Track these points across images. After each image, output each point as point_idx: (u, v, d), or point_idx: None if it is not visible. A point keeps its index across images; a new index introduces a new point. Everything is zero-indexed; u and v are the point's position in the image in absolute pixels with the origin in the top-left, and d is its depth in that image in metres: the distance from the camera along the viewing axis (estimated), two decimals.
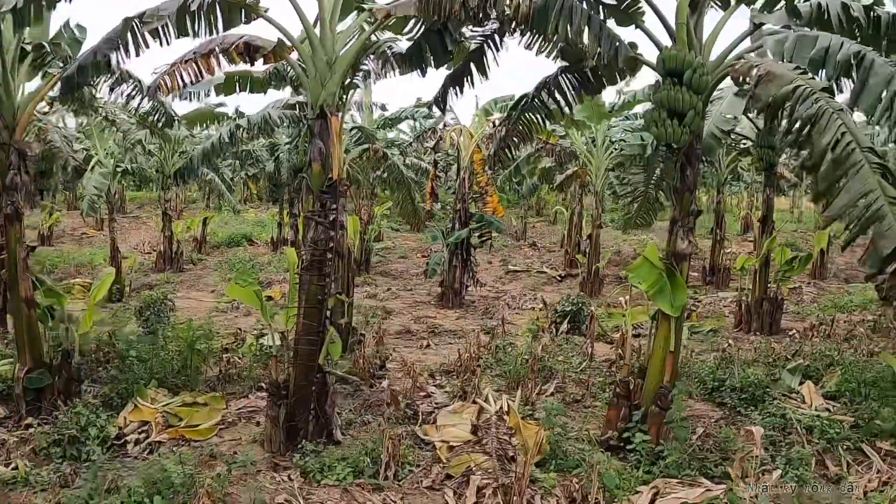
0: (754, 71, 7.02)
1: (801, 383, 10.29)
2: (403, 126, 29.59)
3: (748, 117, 14.75)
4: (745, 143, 18.79)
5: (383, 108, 18.07)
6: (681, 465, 7.53)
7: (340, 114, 8.74)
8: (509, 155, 10.46)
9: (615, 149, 20.28)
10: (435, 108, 10.33)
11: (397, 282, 21.89)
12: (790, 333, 14.39)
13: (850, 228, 6.19)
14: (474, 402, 9.08)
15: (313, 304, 8.20)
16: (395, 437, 7.59)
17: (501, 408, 8.66)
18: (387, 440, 7.51)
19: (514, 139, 10.26)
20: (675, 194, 8.06)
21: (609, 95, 19.49)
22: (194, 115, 16.37)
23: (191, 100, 12.37)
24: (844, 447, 8.31)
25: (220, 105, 18.90)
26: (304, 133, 12.92)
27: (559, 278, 22.93)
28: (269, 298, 18.64)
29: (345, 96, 11.00)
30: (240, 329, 14.45)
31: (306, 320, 8.17)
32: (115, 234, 19.83)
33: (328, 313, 8.39)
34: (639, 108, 21.02)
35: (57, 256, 24.30)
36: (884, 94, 6.61)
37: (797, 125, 6.53)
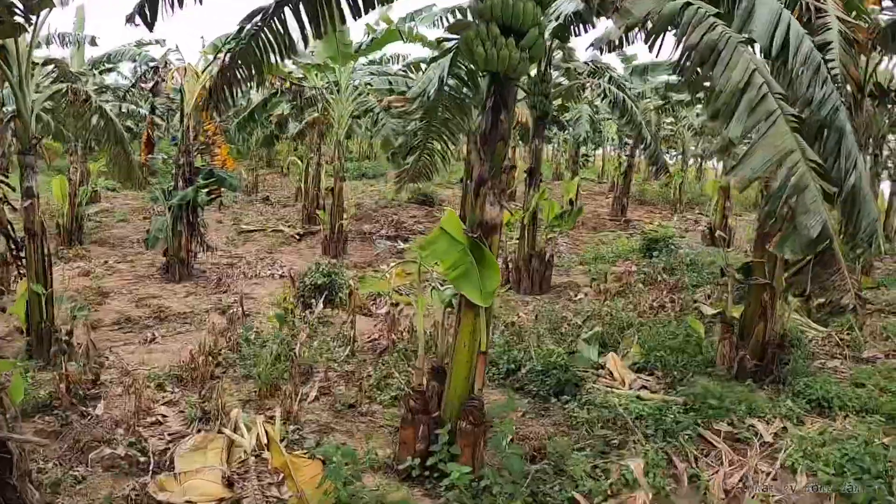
0: None
1: (600, 354, 9.37)
2: (125, 70, 25.79)
3: None
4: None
5: (93, 42, 14.74)
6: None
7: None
8: (229, 95, 8.24)
9: (365, 91, 18.61)
10: (139, 22, 7.81)
11: (116, 252, 18.83)
12: (560, 290, 13.72)
13: (769, 202, 4.89)
14: (220, 431, 7.03)
15: None
16: None
17: (259, 438, 6.75)
18: None
19: (239, 74, 8.08)
20: (482, 145, 6.41)
21: (356, 34, 17.69)
22: None
23: None
24: (686, 437, 7.41)
25: None
26: None
27: (297, 237, 20.97)
28: None
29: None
30: None
31: None
32: None
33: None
34: (394, 49, 19.55)
35: None
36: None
37: (693, 56, 5.18)
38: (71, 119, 12.08)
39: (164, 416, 7.89)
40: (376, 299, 12.72)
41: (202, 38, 17.06)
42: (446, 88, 8.92)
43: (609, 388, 8.64)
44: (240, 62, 7.83)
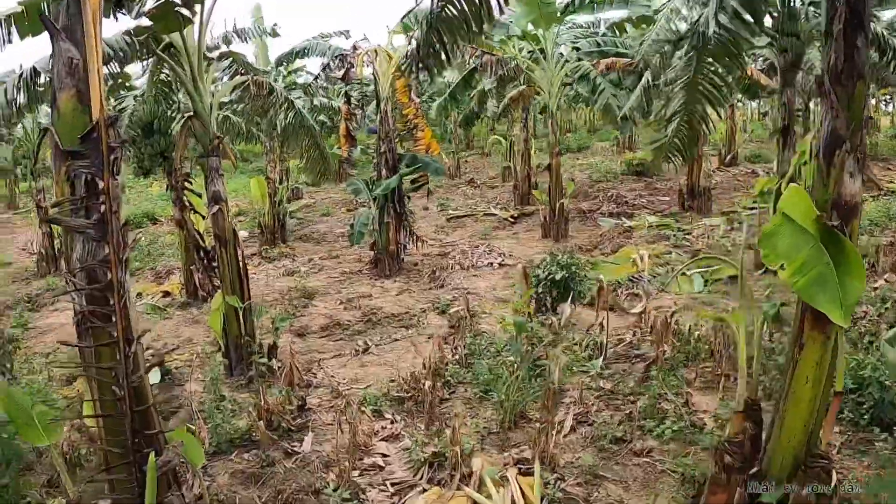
0: None
1: None
2: (313, 67, 25.16)
3: None
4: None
5: (274, 32, 13.65)
6: None
7: None
8: (428, 70, 6.72)
9: (570, 59, 16.56)
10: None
11: (321, 247, 17.98)
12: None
13: None
14: (460, 487, 5.27)
15: (108, 380, 4.40)
16: None
17: (514, 500, 4.91)
18: None
19: (433, 49, 6.62)
20: (834, 86, 4.20)
21: None
22: None
23: None
24: None
25: None
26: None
27: (512, 220, 19.15)
28: (166, 294, 14.78)
29: None
30: None
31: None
32: None
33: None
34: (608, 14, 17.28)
35: None
36: None
37: None
38: (257, 116, 10.92)
39: (384, 455, 6.26)
40: (619, 290, 10.67)
41: (387, 26, 15.51)
42: (715, 30, 6.81)
43: None
44: (434, 36, 6.50)
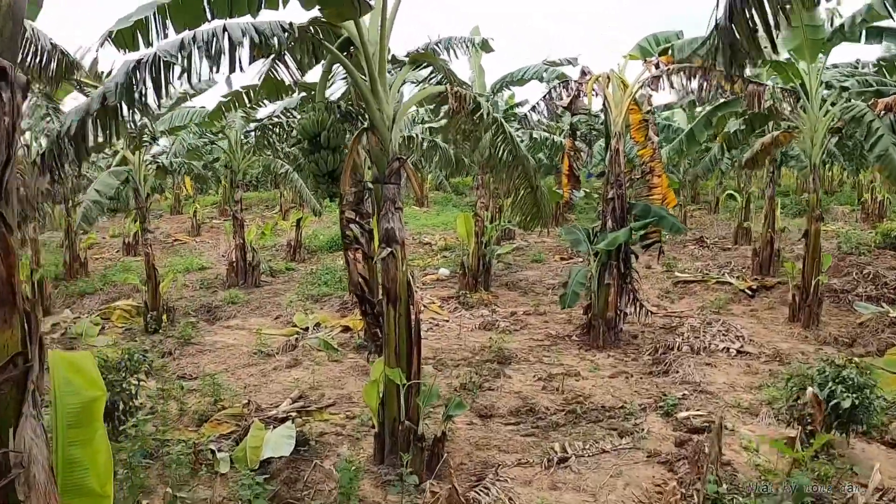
0: None
1: None
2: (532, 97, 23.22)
3: None
4: None
5: (486, 46, 11.62)
6: None
7: None
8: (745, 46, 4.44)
9: (844, 97, 13.20)
10: None
11: (527, 299, 15.77)
12: None
13: None
14: None
15: None
16: None
17: None
18: None
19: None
20: None
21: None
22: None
23: None
24: None
25: None
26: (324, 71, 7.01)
27: (749, 292, 15.84)
28: (345, 329, 13.22)
29: None
30: (251, 401, 9.01)
31: None
32: (150, 248, 14.89)
33: None
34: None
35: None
36: None
37: None
38: (459, 138, 8.84)
39: None
40: None
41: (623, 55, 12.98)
42: None
43: None
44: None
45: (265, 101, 12.49)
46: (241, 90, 8.91)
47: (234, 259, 18.63)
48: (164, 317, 14.32)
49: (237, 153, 18.34)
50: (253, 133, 13.45)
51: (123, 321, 15.06)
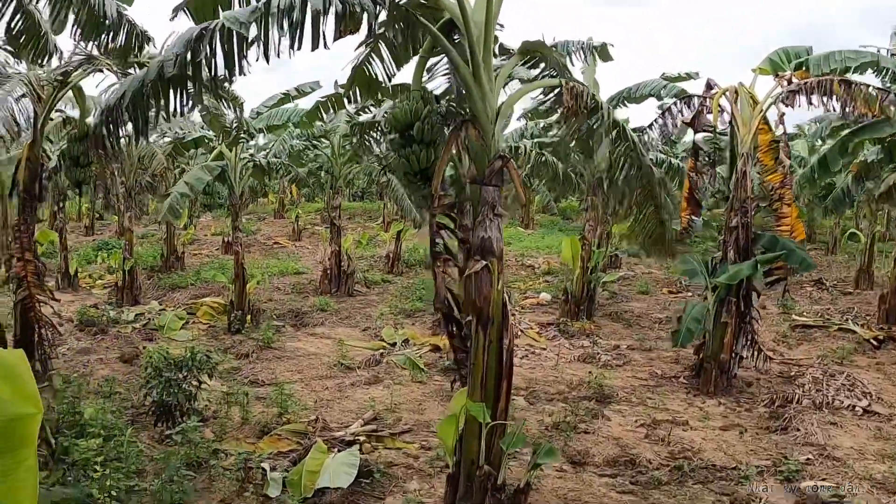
0: None
1: None
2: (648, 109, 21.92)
3: None
4: None
5: (605, 52, 10.52)
6: None
7: None
8: None
9: None
10: None
11: (631, 332, 14.58)
12: None
13: None
14: None
15: None
16: None
17: None
18: None
19: None
20: None
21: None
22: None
23: None
24: None
25: None
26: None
27: (875, 343, 14.06)
28: (435, 349, 12.43)
29: None
30: (320, 417, 8.31)
31: None
32: (239, 247, 14.57)
33: None
34: None
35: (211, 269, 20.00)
36: None
37: None
38: (574, 143, 7.83)
39: None
40: None
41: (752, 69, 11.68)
42: None
43: None
44: None
45: (370, 108, 12.03)
46: (340, 90, 8.25)
47: (328, 266, 18.27)
48: (249, 318, 14.00)
49: (338, 158, 17.94)
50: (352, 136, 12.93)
51: (208, 318, 14.87)
